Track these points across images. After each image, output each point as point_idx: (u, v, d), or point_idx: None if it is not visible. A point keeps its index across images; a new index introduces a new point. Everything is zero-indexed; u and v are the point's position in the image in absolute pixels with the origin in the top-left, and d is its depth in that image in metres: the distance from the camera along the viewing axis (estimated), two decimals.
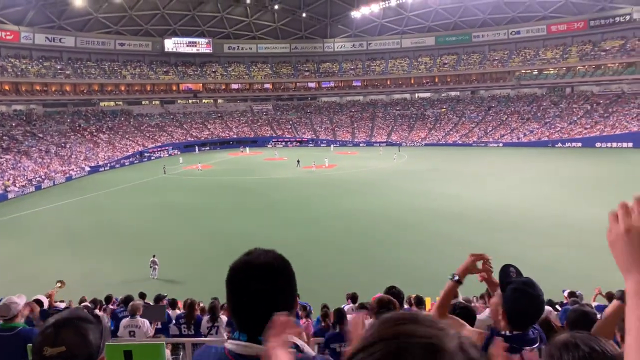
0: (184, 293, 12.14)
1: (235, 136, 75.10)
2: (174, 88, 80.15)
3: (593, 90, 68.19)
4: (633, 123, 57.59)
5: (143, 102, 77.48)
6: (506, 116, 70.51)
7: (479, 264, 2.81)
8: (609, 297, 8.85)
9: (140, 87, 76.73)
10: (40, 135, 56.66)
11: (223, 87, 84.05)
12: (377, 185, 36.57)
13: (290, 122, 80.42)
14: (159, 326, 7.81)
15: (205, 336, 7.08)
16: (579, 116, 64.15)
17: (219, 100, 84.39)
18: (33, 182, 41.88)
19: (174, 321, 7.92)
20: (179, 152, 64.72)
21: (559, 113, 66.74)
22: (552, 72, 72.77)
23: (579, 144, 58.37)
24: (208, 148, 70.83)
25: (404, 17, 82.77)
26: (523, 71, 75.26)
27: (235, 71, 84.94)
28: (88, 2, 65.30)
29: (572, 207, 25.96)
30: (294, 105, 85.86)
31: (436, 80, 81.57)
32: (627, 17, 67.17)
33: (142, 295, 11.53)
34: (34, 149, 51.86)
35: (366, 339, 0.86)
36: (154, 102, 78.80)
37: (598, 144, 57.03)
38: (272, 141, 74.19)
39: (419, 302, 8.31)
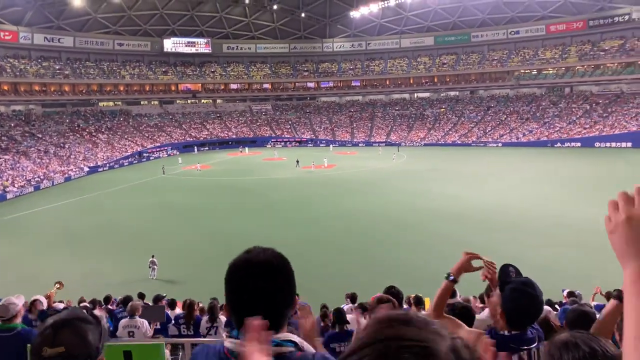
0: (183, 293, 12.13)
1: (234, 136, 75.07)
2: (173, 88, 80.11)
3: (592, 90, 68.27)
4: (632, 123, 57.65)
5: (142, 102, 77.43)
6: (505, 116, 70.56)
7: (479, 262, 2.80)
8: (608, 296, 8.85)
9: (139, 87, 76.68)
10: (39, 135, 56.60)
11: (222, 87, 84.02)
12: (376, 185, 36.58)
13: (290, 122, 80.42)
14: (158, 326, 7.80)
15: (205, 336, 7.07)
16: (578, 116, 64.22)
17: (218, 101, 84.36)
18: (32, 183, 41.85)
19: (173, 321, 7.91)
20: (177, 153, 64.64)
21: (558, 113, 66.79)
22: (551, 72, 72.84)
23: (578, 144, 58.42)
24: (207, 148, 70.80)
25: (403, 17, 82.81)
26: (522, 71, 75.33)
27: (234, 71, 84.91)
28: (87, 2, 65.27)
29: (571, 207, 25.99)
30: (293, 105, 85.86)
31: (435, 80, 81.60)
32: (626, 17, 67.26)
33: (141, 296, 11.53)
34: (32, 149, 51.81)
35: (359, 340, 0.85)
36: (152, 102, 78.77)
37: (597, 144, 57.08)
38: (271, 141, 74.17)
39: (418, 302, 8.31)
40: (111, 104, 74.16)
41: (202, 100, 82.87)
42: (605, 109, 63.09)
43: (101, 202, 33.81)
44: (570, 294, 9.87)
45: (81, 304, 10.19)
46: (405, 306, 7.49)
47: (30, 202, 35.25)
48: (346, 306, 9.43)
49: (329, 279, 16.60)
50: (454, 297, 6.16)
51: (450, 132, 70.79)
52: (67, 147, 55.47)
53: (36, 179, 43.00)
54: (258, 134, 76.53)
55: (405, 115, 78.96)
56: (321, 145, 72.64)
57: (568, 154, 51.58)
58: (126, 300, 9.28)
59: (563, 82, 71.11)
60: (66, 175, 46.63)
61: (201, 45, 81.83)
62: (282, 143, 73.96)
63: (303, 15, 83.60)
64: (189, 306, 7.86)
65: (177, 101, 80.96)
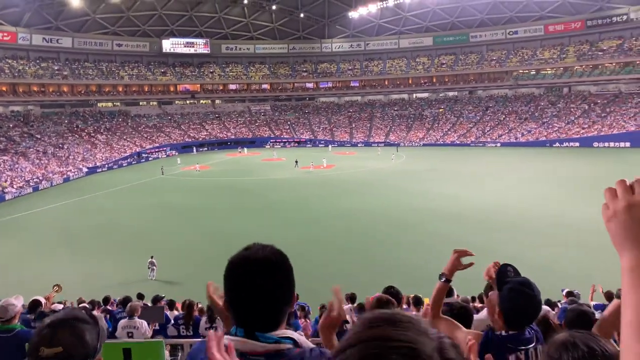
0: (183, 294, 12.11)
1: (233, 137, 75.04)
2: (172, 89, 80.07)
3: (590, 90, 68.37)
4: (630, 122, 57.75)
5: (141, 103, 77.40)
6: (504, 116, 70.63)
7: (470, 259, 2.79)
8: (608, 296, 8.86)
9: (137, 87, 76.63)
10: (38, 136, 56.53)
11: (221, 87, 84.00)
12: (375, 185, 36.60)
13: (288, 123, 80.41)
14: (157, 327, 7.79)
15: (204, 337, 7.05)
16: (576, 116, 64.30)
17: (217, 101, 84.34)
18: (30, 183, 41.79)
19: (172, 322, 7.90)
20: (176, 153, 64.58)
21: (556, 113, 66.88)
22: (549, 72, 72.94)
23: (577, 144, 58.50)
24: (206, 149, 70.77)
25: (402, 17, 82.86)
26: (521, 71, 75.41)
27: (233, 72, 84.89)
28: (85, 3, 65.18)
29: (570, 207, 26.01)
30: (292, 106, 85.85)
31: (434, 80, 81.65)
32: (624, 17, 67.40)
33: (140, 296, 11.52)
34: (31, 150, 51.74)
35: (345, 341, 0.85)
36: (151, 103, 78.73)
37: (596, 144, 57.17)
38: (270, 142, 74.16)
39: (418, 302, 8.31)
40: (110, 104, 74.11)
41: (201, 101, 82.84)
42: (604, 109, 63.19)
43: (100, 203, 33.76)
44: (569, 293, 9.88)
45: (80, 305, 10.18)
46: (404, 306, 7.49)
47: (29, 203, 35.19)
48: (346, 306, 9.42)
49: (329, 279, 16.56)
50: (450, 295, 6.16)
51: (449, 132, 70.83)
52: (65, 147, 55.40)
53: (35, 180, 42.94)
54: (257, 134, 76.52)
55: (404, 116, 79.01)
56: (320, 145, 72.64)
57: (566, 154, 51.64)
58: (125, 300, 9.26)
59: (561, 82, 71.21)
60: (65, 176, 46.58)
61: (200, 46, 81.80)
62: (281, 143, 73.95)
63: (302, 15, 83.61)
64: (188, 307, 7.86)
65: (176, 102, 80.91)
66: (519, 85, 74.59)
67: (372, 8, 77.38)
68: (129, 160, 58.47)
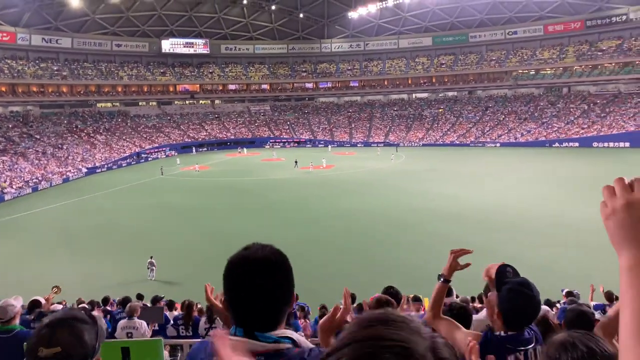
0: (182, 294, 12.09)
1: (232, 137, 75.02)
2: (171, 89, 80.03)
3: (590, 90, 68.42)
4: (630, 123, 57.79)
5: (140, 103, 77.37)
6: (503, 116, 70.66)
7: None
8: (609, 296, 8.86)
9: (137, 88, 76.58)
10: (37, 136, 56.50)
11: (220, 88, 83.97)
12: (375, 185, 36.60)
13: (288, 123, 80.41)
14: (157, 327, 7.79)
15: (203, 337, 7.06)
16: (576, 116, 64.34)
17: (216, 101, 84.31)
18: (30, 184, 41.76)
19: (171, 322, 7.90)
20: (176, 153, 64.56)
21: (556, 113, 66.91)
22: (549, 72, 72.97)
23: (576, 144, 58.54)
24: (205, 149, 70.75)
25: (401, 17, 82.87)
26: (520, 71, 75.44)
27: (232, 72, 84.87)
28: (85, 3, 65.14)
29: (569, 207, 26.02)
30: (292, 106, 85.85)
31: (433, 80, 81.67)
32: (624, 17, 67.44)
33: (140, 297, 11.51)
34: (30, 150, 51.71)
35: (339, 340, 0.86)
36: (151, 103, 78.70)
37: (595, 144, 57.20)
38: (270, 142, 74.15)
39: (417, 301, 8.31)
40: (109, 105, 74.06)
41: (201, 101, 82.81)
42: (603, 109, 63.23)
43: (99, 203, 33.74)
44: (569, 293, 9.88)
45: (79, 305, 10.17)
46: (404, 307, 7.49)
47: (28, 203, 35.16)
48: None
49: (329, 279, 16.58)
50: (449, 295, 6.16)
51: (449, 133, 70.85)
52: (65, 148, 55.37)
53: (34, 180, 42.91)
54: (256, 134, 76.51)
55: (404, 116, 79.02)
56: (320, 145, 72.64)
57: (566, 154, 51.66)
58: (125, 301, 9.26)
59: (561, 82, 71.26)
60: (64, 177, 46.55)
61: (199, 46, 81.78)
62: (281, 144, 73.95)
63: (301, 15, 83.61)
64: (187, 307, 7.85)
65: (175, 102, 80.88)
66: (518, 85, 74.63)
67: (372, 8, 77.39)
68: (128, 160, 58.44)
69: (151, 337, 7.21)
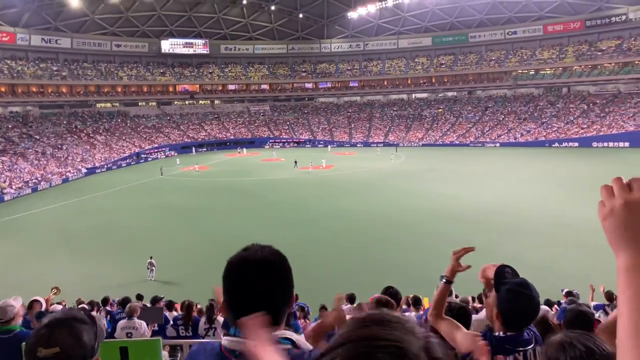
0: (182, 294, 12.10)
1: (232, 137, 75.00)
2: (171, 89, 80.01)
3: (589, 90, 68.44)
4: (629, 122, 57.81)
5: (140, 104, 77.33)
6: (503, 116, 70.67)
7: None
8: (609, 296, 8.87)
9: (136, 88, 76.56)
10: (37, 136, 56.47)
11: (220, 88, 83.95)
12: (375, 185, 36.60)
13: (288, 123, 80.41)
14: (156, 328, 7.79)
15: (203, 338, 7.07)
16: (575, 116, 64.36)
17: (216, 102, 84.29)
18: (29, 184, 41.74)
19: (171, 323, 7.90)
20: (175, 154, 64.53)
21: (555, 113, 66.93)
22: (548, 72, 72.98)
23: (576, 144, 58.55)
24: (205, 149, 70.73)
25: (401, 17, 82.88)
26: (520, 71, 75.45)
27: (232, 72, 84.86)
28: (84, 4, 65.14)
29: (569, 207, 26.03)
30: (291, 106, 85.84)
31: (433, 80, 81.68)
32: (623, 17, 67.46)
33: (140, 297, 11.51)
34: (30, 150, 51.68)
35: (334, 340, 0.86)
36: (150, 104, 78.67)
37: (595, 144, 57.22)
38: (270, 142, 74.14)
39: (417, 302, 8.31)
40: (109, 105, 74.03)
41: (200, 101, 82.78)
42: (603, 109, 63.24)
43: (99, 204, 33.73)
44: (569, 293, 9.89)
45: (79, 306, 10.17)
46: (404, 307, 7.49)
47: (28, 203, 35.15)
48: (345, 307, 9.41)
49: (329, 279, 16.59)
50: (449, 296, 6.16)
51: (448, 133, 70.86)
52: (64, 148, 55.34)
53: (34, 181, 42.89)
54: (256, 134, 76.51)
55: (403, 116, 79.02)
56: (319, 145, 72.63)
57: (566, 154, 51.67)
58: (124, 301, 9.26)
59: (560, 82, 71.27)
60: (64, 177, 46.53)
61: (199, 46, 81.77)
62: (280, 144, 73.94)
63: (301, 16, 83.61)
64: (187, 307, 7.86)
65: (175, 102, 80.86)
66: (518, 85, 74.63)
67: (371, 8, 77.39)
68: (128, 160, 58.42)
69: (151, 337, 7.22)
